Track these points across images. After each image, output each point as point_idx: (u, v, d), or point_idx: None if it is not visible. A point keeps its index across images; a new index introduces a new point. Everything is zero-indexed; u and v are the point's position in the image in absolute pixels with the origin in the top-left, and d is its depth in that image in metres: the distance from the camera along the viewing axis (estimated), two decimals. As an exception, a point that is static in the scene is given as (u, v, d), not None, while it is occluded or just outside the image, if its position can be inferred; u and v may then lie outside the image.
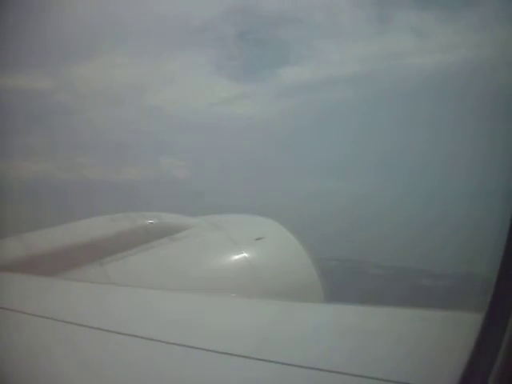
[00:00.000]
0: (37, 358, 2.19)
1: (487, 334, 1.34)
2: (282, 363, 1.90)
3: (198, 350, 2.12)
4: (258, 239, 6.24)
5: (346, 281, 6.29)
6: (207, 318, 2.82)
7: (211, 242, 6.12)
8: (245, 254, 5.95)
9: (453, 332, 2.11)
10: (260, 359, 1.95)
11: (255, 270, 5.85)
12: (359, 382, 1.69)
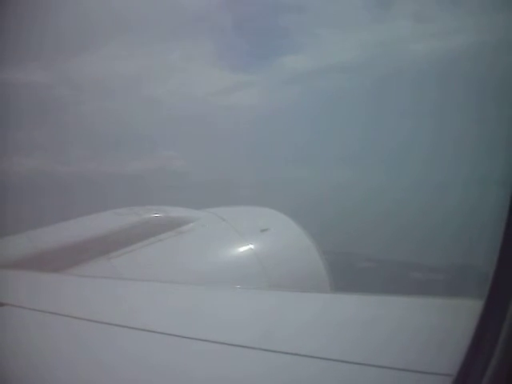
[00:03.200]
0: (46, 354, 2.20)
1: (487, 321, 1.35)
2: (288, 353, 1.90)
3: (205, 342, 2.13)
4: (263, 230, 6.25)
5: (335, 275, 6.27)
6: (213, 310, 2.83)
7: (217, 235, 6.13)
8: (251, 246, 5.96)
9: (452, 319, 2.12)
10: (266, 349, 1.96)
11: (261, 261, 5.86)
12: (362, 369, 1.70)
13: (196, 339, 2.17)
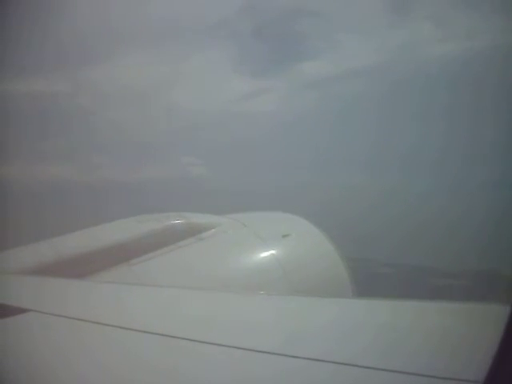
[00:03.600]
0: (69, 359, 2.20)
1: None
2: (312, 359, 1.87)
3: (227, 348, 2.10)
4: (284, 236, 6.23)
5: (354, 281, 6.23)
6: (236, 316, 2.82)
7: (238, 240, 6.12)
8: (272, 251, 5.93)
9: (481, 324, 2.08)
10: (290, 355, 1.93)
11: (283, 266, 5.84)
12: (391, 376, 1.66)
13: (219, 345, 2.15)
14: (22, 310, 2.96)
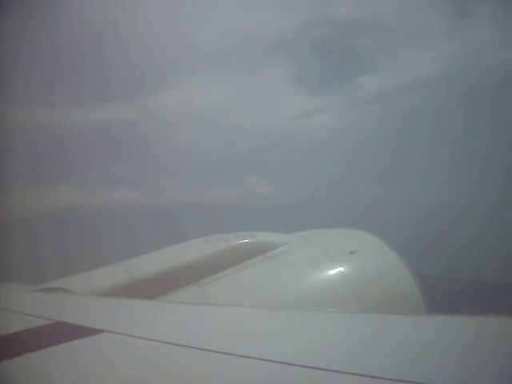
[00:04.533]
0: (142, 380, 2.24)
1: None
2: (386, 379, 1.83)
3: (295, 367, 2.09)
4: (352, 252, 6.16)
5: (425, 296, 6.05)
6: (306, 335, 2.79)
7: (306, 258, 6.10)
8: (341, 269, 5.88)
9: None
10: (363, 375, 1.90)
11: (352, 283, 5.76)
12: None
13: (288, 364, 2.14)
14: (98, 331, 3.05)
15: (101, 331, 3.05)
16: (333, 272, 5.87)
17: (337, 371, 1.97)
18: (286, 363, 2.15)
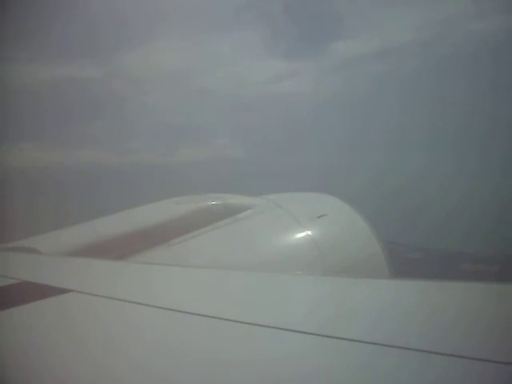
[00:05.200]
0: (109, 339, 2.25)
1: None
2: (349, 339, 1.88)
3: (263, 327, 2.13)
4: (320, 216, 6.23)
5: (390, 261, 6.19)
6: (273, 296, 2.83)
7: (274, 221, 6.14)
8: (308, 232, 5.94)
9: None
10: (326, 335, 1.94)
11: (319, 247, 5.84)
12: (426, 357, 1.66)
13: (255, 325, 2.17)
14: (65, 291, 3.04)
15: (68, 291, 3.03)
16: (300, 235, 5.93)
17: (301, 332, 2.01)
18: (253, 324, 2.18)
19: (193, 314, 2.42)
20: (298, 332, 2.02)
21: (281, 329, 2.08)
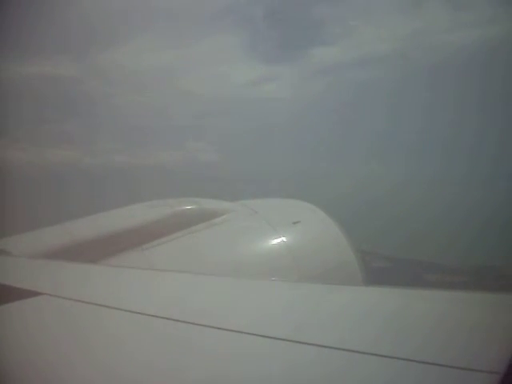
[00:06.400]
0: (80, 343, 2.23)
1: None
2: (323, 346, 1.88)
3: (237, 334, 2.13)
4: (295, 223, 6.25)
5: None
6: (246, 302, 2.83)
7: (249, 227, 6.15)
8: (283, 238, 5.96)
9: (495, 313, 2.08)
10: (300, 342, 1.94)
11: (293, 253, 5.86)
12: (403, 364, 1.67)
13: (229, 331, 2.17)
14: (37, 294, 2.99)
15: (40, 294, 2.99)
16: (275, 241, 5.94)
17: (275, 338, 2.01)
18: (225, 329, 2.18)
19: (166, 318, 2.41)
20: (270, 338, 2.02)
21: (254, 334, 2.08)
